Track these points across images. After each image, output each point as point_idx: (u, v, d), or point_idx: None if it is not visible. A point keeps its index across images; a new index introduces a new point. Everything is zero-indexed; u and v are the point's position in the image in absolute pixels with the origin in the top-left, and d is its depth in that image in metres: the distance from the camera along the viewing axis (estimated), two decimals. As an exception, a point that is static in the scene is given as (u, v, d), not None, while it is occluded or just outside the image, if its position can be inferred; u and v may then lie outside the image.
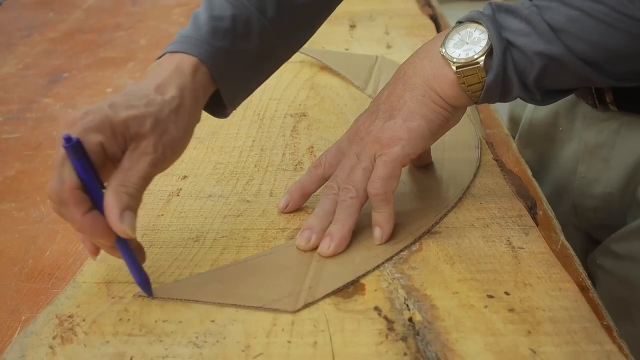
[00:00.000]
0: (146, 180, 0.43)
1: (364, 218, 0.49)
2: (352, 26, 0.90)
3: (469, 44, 0.46)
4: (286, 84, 0.74)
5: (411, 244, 0.47)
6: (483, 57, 0.44)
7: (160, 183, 0.57)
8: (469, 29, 0.46)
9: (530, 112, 0.71)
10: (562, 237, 0.60)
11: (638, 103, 0.56)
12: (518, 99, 0.47)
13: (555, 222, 0.63)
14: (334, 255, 0.46)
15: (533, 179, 0.70)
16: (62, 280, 0.56)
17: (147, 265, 0.47)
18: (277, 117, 0.67)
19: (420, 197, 0.52)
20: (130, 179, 0.41)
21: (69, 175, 0.40)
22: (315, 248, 0.47)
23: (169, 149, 0.44)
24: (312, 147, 0.61)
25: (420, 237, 0.48)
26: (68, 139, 0.39)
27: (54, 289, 0.55)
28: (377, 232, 0.47)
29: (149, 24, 1.22)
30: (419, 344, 0.38)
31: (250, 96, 0.71)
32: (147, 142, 0.43)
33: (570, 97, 0.62)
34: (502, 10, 0.46)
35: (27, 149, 0.80)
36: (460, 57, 0.45)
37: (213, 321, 0.41)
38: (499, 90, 0.46)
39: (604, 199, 0.64)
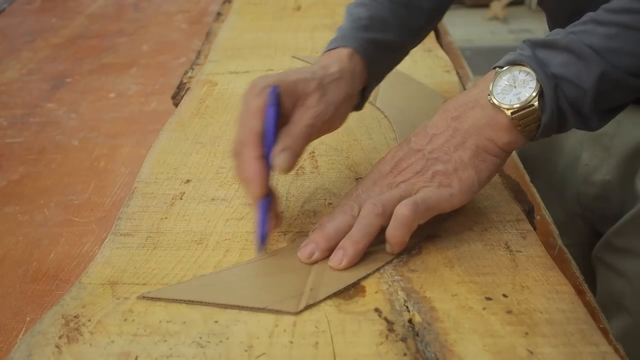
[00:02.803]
0: (309, 130, 0.49)
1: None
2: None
3: (517, 87, 0.45)
4: (288, 90, 0.75)
5: (411, 246, 0.48)
6: (537, 98, 0.44)
7: (164, 187, 0.58)
8: (513, 73, 0.46)
9: None
10: (560, 242, 0.61)
11: None
12: None
13: (553, 227, 0.64)
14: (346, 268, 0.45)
15: (531, 185, 0.71)
16: (66, 282, 0.57)
17: (150, 267, 0.47)
18: (279, 122, 0.68)
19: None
20: (296, 128, 0.48)
21: (256, 123, 0.47)
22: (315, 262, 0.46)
23: (331, 107, 0.50)
24: (313, 152, 0.62)
25: (420, 240, 0.48)
26: (274, 87, 0.47)
27: (58, 291, 0.56)
28: (389, 249, 0.47)
29: (151, 30, 1.23)
30: (419, 345, 0.39)
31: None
32: (311, 98, 0.49)
33: None
34: (540, 46, 0.46)
35: (31, 153, 0.81)
36: (512, 103, 0.45)
37: (216, 322, 0.42)
38: (555, 126, 0.45)
39: (604, 186, 0.66)
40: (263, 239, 0.48)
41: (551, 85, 0.44)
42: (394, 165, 0.49)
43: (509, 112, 0.45)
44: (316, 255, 0.46)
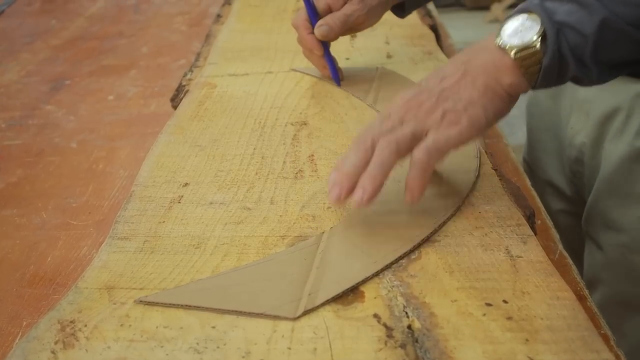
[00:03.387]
0: (348, 18, 0.71)
1: (361, 224, 0.50)
2: (353, 36, 0.91)
3: (523, 31, 0.47)
4: (287, 93, 0.75)
5: (410, 251, 0.47)
6: (539, 40, 0.46)
7: (162, 190, 0.57)
8: (520, 20, 0.48)
9: None
10: (561, 247, 0.61)
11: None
12: None
13: (554, 231, 0.63)
14: (368, 204, 0.47)
15: (532, 188, 0.70)
16: (63, 286, 0.57)
17: (148, 272, 0.47)
18: (278, 125, 0.67)
19: (420, 204, 0.52)
20: (337, 13, 0.71)
21: (303, 14, 0.72)
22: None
23: (366, 7, 0.71)
24: (312, 155, 0.62)
25: (419, 245, 0.48)
26: None
27: (55, 295, 0.56)
28: (408, 196, 0.48)
29: (151, 32, 1.23)
30: (418, 351, 0.38)
31: (251, 104, 0.72)
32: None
33: None
34: None
35: (29, 156, 0.81)
36: (516, 43, 0.47)
37: (214, 327, 0.41)
38: (555, 71, 0.47)
39: (580, 149, 0.71)
40: (337, 79, 0.75)
41: (554, 30, 0.46)
42: (405, 103, 0.50)
43: (512, 52, 0.47)
44: (343, 196, 0.48)
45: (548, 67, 0.47)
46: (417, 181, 0.48)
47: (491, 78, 0.49)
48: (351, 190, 0.47)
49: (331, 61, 0.74)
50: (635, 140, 0.64)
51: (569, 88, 0.73)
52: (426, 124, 0.48)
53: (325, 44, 0.73)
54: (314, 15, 0.71)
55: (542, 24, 0.46)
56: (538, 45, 0.46)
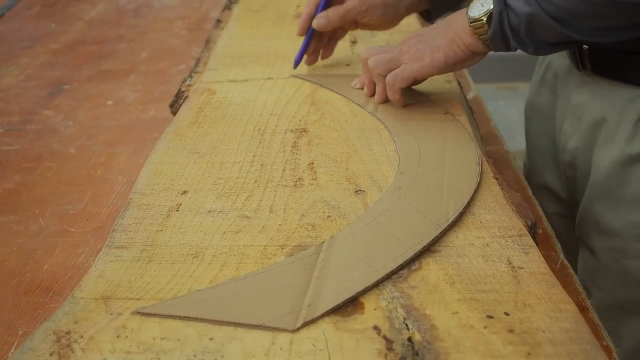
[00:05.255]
0: (347, 13, 0.76)
1: (361, 233, 0.50)
2: (353, 42, 0.90)
3: (479, 7, 0.61)
4: (287, 100, 0.74)
5: (411, 260, 0.47)
6: (486, 16, 0.60)
7: (160, 198, 0.57)
8: None
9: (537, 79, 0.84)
10: (562, 256, 0.60)
11: (610, 68, 0.66)
12: None
13: (555, 240, 0.63)
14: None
15: (533, 197, 0.70)
16: (60, 294, 0.56)
17: (145, 281, 0.47)
18: (278, 132, 0.67)
19: (420, 211, 0.52)
20: (339, 9, 0.76)
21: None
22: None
23: (364, 5, 0.75)
24: (312, 163, 0.61)
25: (420, 253, 0.48)
26: None
27: (52, 304, 0.55)
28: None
29: (150, 37, 1.23)
30: (419, 365, 0.38)
31: (251, 111, 0.72)
32: None
33: (568, 63, 0.74)
34: None
35: (27, 161, 0.80)
36: (471, 14, 0.61)
37: (211, 339, 0.41)
38: (500, 42, 0.60)
39: (573, 154, 0.73)
40: (297, 61, 0.80)
41: (498, 10, 0.58)
42: (402, 41, 0.69)
43: (468, 21, 0.62)
44: (366, 90, 0.73)
45: (492, 38, 0.60)
46: (392, 95, 0.68)
47: (457, 35, 0.63)
48: (372, 92, 0.72)
49: (305, 45, 0.79)
50: (626, 145, 0.65)
51: (564, 93, 0.74)
52: (402, 57, 0.67)
53: (311, 30, 0.78)
54: (323, 4, 0.77)
55: (492, 4, 0.59)
56: (485, 20, 0.60)
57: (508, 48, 0.61)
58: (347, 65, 0.83)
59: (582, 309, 0.52)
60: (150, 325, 0.42)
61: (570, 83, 0.73)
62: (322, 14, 0.76)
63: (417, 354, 0.39)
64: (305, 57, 0.81)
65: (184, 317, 0.43)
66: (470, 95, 0.94)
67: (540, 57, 0.82)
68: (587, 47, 0.67)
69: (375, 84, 0.71)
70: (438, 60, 0.64)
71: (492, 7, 0.60)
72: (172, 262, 0.49)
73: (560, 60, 0.76)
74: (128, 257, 0.49)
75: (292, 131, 0.67)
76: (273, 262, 0.48)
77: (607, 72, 0.67)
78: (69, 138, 0.85)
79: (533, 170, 0.85)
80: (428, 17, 0.82)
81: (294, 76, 0.80)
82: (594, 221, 0.69)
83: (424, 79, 0.70)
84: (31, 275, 0.59)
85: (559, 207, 0.82)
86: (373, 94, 0.72)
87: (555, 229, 0.69)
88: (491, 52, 0.63)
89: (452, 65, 0.65)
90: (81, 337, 0.41)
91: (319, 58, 0.83)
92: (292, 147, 0.64)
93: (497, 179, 0.57)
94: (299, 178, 0.59)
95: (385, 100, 0.70)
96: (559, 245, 0.62)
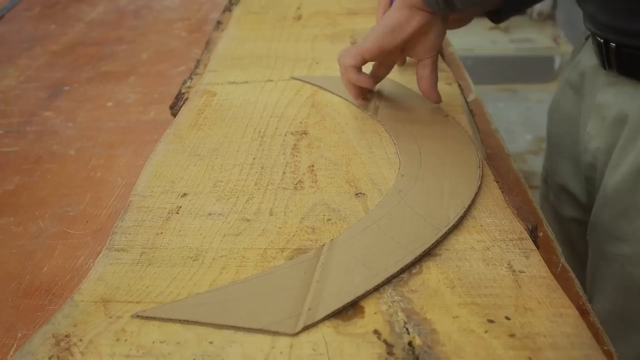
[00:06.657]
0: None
1: (361, 236, 0.49)
2: (354, 43, 0.90)
3: None
4: (287, 102, 0.74)
5: (412, 264, 0.47)
6: None
7: (160, 200, 0.57)
8: None
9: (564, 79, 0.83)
10: (563, 260, 0.60)
11: (636, 68, 0.64)
12: None
13: (556, 243, 0.63)
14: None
15: (533, 200, 0.70)
16: (60, 297, 0.56)
17: (145, 284, 0.46)
18: (278, 135, 0.67)
19: (421, 215, 0.52)
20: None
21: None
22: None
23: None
24: (312, 165, 0.61)
25: (420, 257, 0.47)
26: None
27: (51, 306, 0.55)
28: None
29: (150, 38, 1.22)
30: (419, 370, 0.38)
31: (251, 113, 0.72)
32: None
33: (595, 62, 0.72)
34: None
35: (27, 163, 0.80)
36: None
37: (211, 343, 0.41)
38: (441, 5, 0.60)
39: (594, 154, 0.72)
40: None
41: None
42: None
43: None
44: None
45: (431, 2, 0.60)
46: (343, 79, 0.69)
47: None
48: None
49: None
50: None
51: (590, 94, 0.73)
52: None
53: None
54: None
55: None
56: None
57: (452, 10, 0.60)
58: (348, 67, 0.83)
59: (583, 313, 0.52)
60: (149, 329, 0.42)
61: (597, 83, 0.72)
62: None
63: (417, 359, 0.38)
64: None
65: (184, 321, 0.43)
66: (470, 98, 0.94)
67: (569, 57, 0.81)
68: (614, 45, 0.65)
69: (353, 85, 0.68)
70: (378, 28, 0.63)
71: None
72: (171, 265, 0.48)
73: (587, 60, 0.75)
74: (128, 259, 0.49)
75: (292, 134, 0.67)
76: (273, 265, 0.48)
77: (633, 72, 0.65)
78: (69, 139, 0.85)
79: (553, 171, 0.85)
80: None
81: (294, 78, 0.80)
82: (606, 226, 0.68)
83: (381, 54, 0.66)
84: (30, 278, 0.59)
85: (576, 211, 0.81)
86: (360, 97, 0.70)
87: (569, 235, 0.69)
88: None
89: (396, 29, 0.63)
90: (80, 340, 0.41)
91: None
92: (293, 149, 0.64)
93: (497, 182, 0.56)
94: (299, 181, 0.59)
95: (363, 97, 0.69)
96: (560, 249, 0.62)
